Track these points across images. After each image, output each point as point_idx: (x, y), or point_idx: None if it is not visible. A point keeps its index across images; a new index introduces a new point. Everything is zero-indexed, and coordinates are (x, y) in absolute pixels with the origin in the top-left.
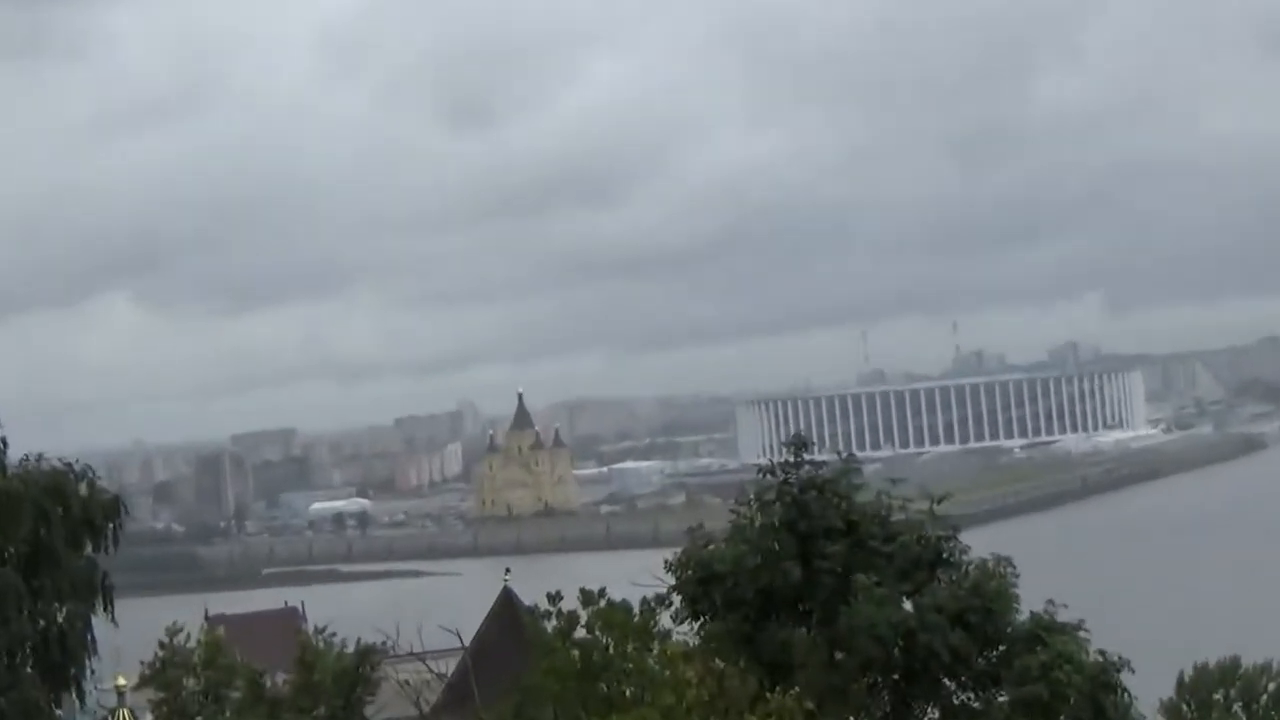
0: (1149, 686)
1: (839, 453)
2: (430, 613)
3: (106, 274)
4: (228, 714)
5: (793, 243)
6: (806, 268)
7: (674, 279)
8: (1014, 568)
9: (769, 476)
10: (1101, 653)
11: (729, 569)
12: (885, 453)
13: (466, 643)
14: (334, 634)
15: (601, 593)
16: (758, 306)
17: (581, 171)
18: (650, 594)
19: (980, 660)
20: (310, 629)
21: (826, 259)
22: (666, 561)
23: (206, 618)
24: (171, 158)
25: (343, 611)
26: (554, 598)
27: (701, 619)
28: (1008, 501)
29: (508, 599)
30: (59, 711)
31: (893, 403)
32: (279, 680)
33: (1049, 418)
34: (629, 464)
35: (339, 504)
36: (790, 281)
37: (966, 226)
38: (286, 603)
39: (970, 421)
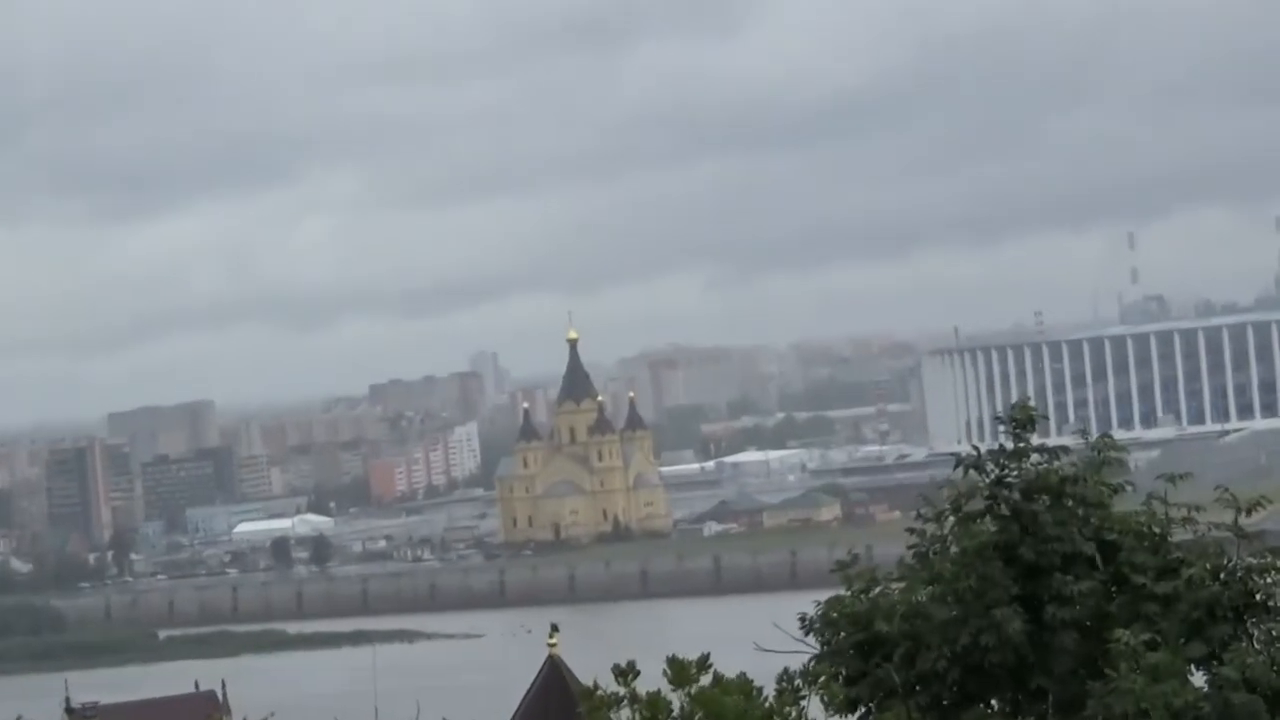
0: None
1: (1086, 433)
2: (430, 697)
3: None
4: None
5: (1011, 91)
6: (1030, 131)
7: (818, 153)
8: None
9: (974, 473)
10: None
11: (904, 627)
12: (1166, 432)
13: None
14: None
15: (704, 663)
16: (952, 194)
17: None
18: (793, 665)
19: None
20: None
21: (1065, 116)
22: (804, 618)
23: (69, 710)
24: None
25: (288, 697)
26: (625, 671)
27: (862, 706)
28: None
29: (555, 675)
30: None
31: (1179, 349)
32: None
33: None
34: (750, 454)
35: (280, 524)
36: (1003, 154)
37: None
38: (198, 685)
39: None
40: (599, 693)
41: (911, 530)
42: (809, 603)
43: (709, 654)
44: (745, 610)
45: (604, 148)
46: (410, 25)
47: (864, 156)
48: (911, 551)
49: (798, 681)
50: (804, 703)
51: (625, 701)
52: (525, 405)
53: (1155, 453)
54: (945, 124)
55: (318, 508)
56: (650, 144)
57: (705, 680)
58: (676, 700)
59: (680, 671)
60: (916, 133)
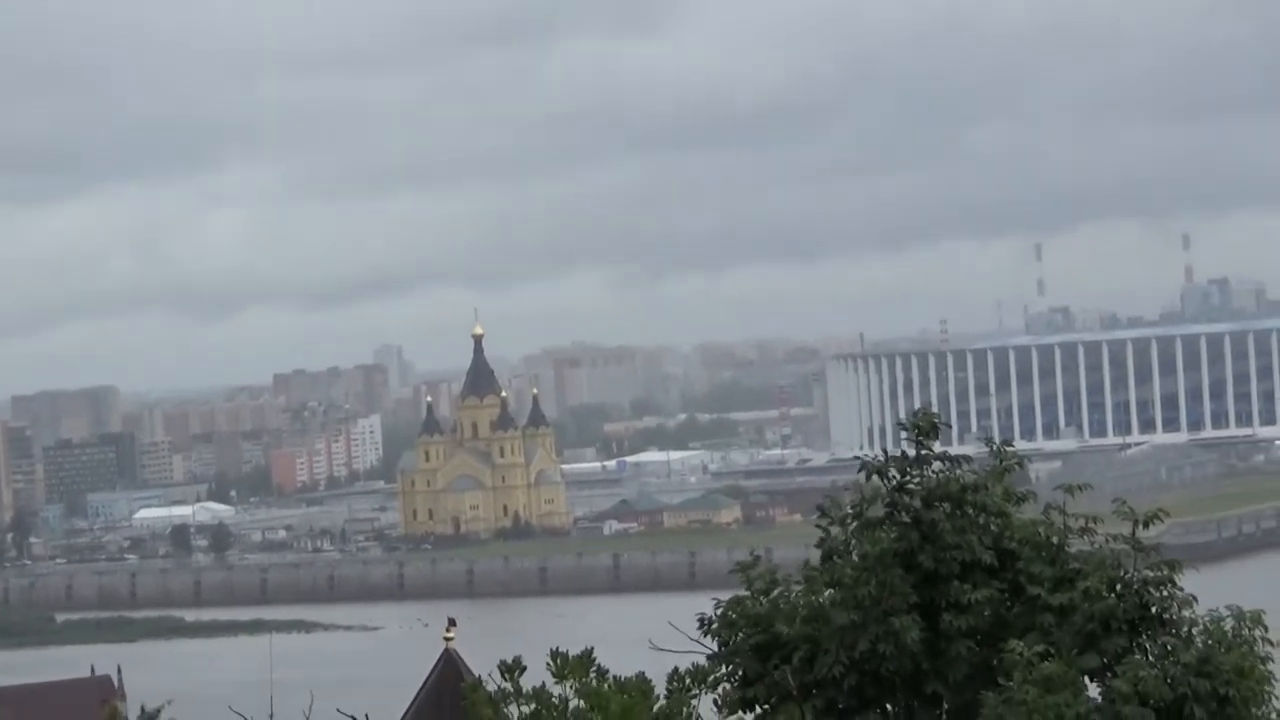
0: None
1: (989, 442)
2: (325, 688)
3: None
4: None
5: (929, 101)
6: (946, 140)
7: (734, 156)
8: (1265, 629)
9: (875, 479)
10: None
11: (804, 630)
12: (1068, 444)
13: None
14: None
15: (589, 657)
16: (864, 200)
17: None
18: (686, 665)
19: None
20: (128, 711)
21: (978, 126)
22: (703, 619)
23: None
24: None
25: (183, 684)
26: (512, 667)
27: (759, 707)
28: (1265, 525)
29: (450, 669)
30: None
31: (1082, 361)
32: None
33: None
34: (652, 454)
35: (180, 511)
36: (916, 162)
37: (1214, 80)
38: (94, 669)
39: (1207, 395)
40: (484, 687)
41: (820, 527)
42: (707, 603)
43: (593, 649)
44: (643, 609)
45: (519, 145)
46: (331, 17)
47: (779, 161)
48: (819, 553)
49: (688, 681)
50: (695, 702)
51: (513, 698)
52: (429, 399)
53: (1057, 464)
54: (862, 131)
55: (218, 496)
56: (566, 142)
57: (593, 677)
58: (565, 695)
59: (570, 666)
60: (832, 139)
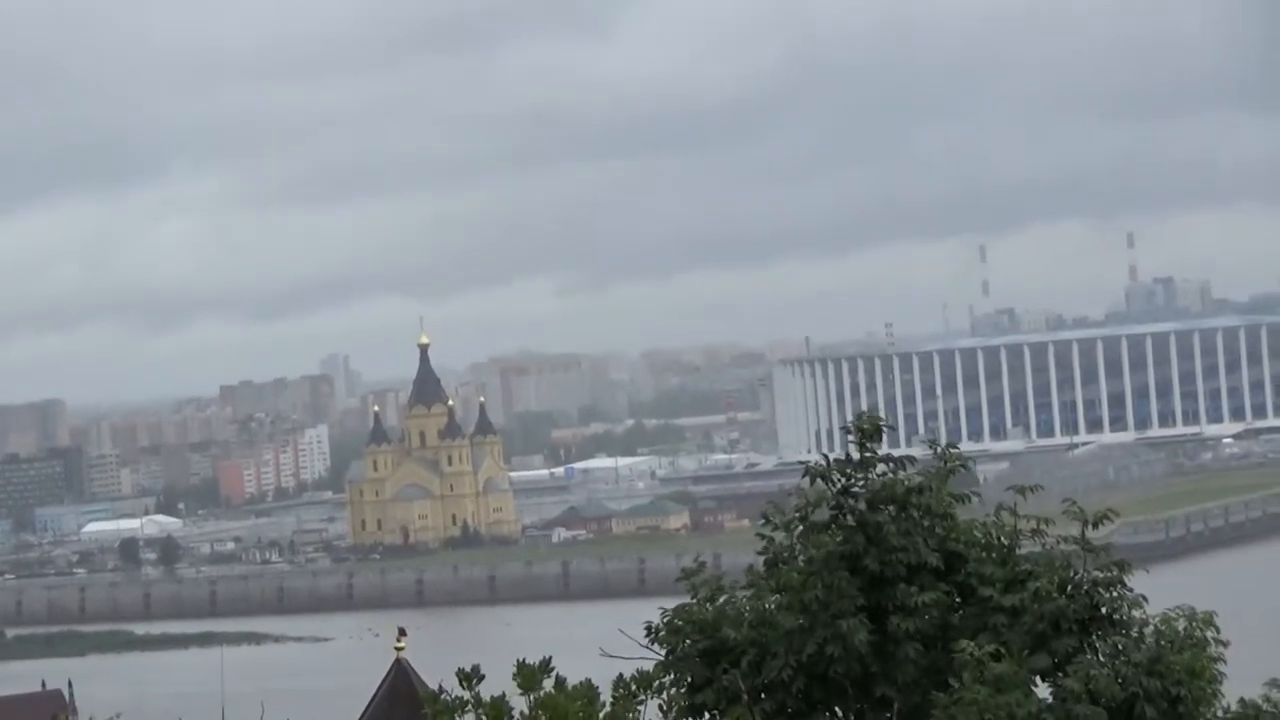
0: None
1: (934, 444)
2: (276, 700)
3: None
4: None
5: (876, 102)
6: (894, 141)
7: (680, 159)
8: (1217, 629)
9: (821, 483)
10: None
11: (752, 634)
12: (1014, 444)
13: None
14: None
15: (547, 667)
16: (811, 203)
17: None
18: (632, 670)
19: None
20: None
21: (926, 126)
22: (650, 626)
23: None
24: None
25: (134, 697)
26: (469, 675)
27: (708, 713)
28: (1213, 524)
29: (402, 679)
30: None
31: (1029, 361)
32: None
33: None
34: (600, 461)
35: (129, 524)
36: (866, 163)
37: (1159, 78)
38: (45, 683)
39: (1154, 393)
40: (443, 697)
41: (761, 536)
42: (656, 610)
43: (551, 658)
44: (593, 616)
45: (464, 150)
46: (277, 24)
47: (725, 164)
48: (761, 559)
49: (634, 687)
50: (641, 708)
51: (469, 706)
52: (376, 409)
53: (1004, 465)
54: (809, 133)
55: (167, 508)
56: (511, 147)
57: (548, 684)
58: (521, 705)
59: (527, 676)
60: (779, 141)
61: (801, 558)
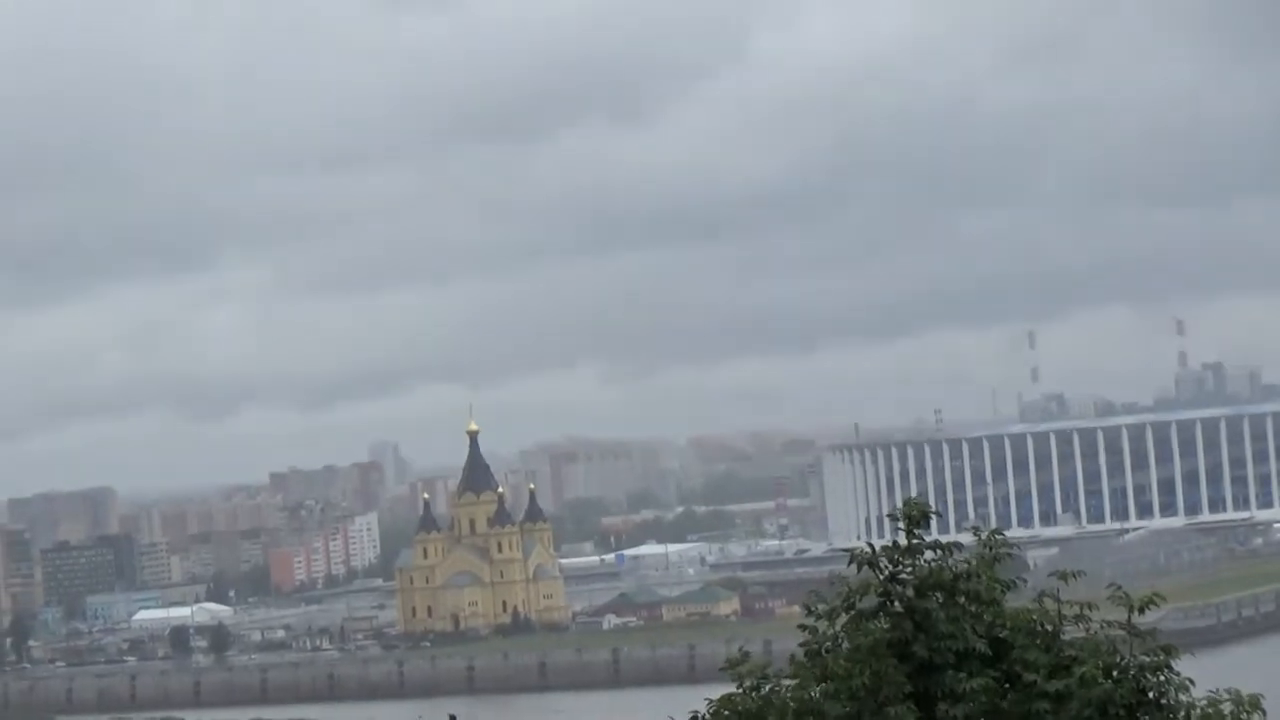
0: None
1: (978, 530)
2: None
3: None
4: None
5: (922, 188)
6: (941, 228)
7: (727, 247)
8: (1264, 712)
9: (868, 569)
10: None
11: None
12: (1065, 530)
13: None
14: None
15: None
16: (859, 288)
17: (590, 69)
18: None
19: None
20: None
21: (973, 213)
22: (696, 716)
23: None
24: None
25: None
26: None
27: None
28: (1264, 609)
29: None
30: None
31: (1078, 448)
32: None
33: None
34: (650, 547)
35: (180, 612)
36: (910, 250)
37: (1202, 163)
38: None
39: (1204, 479)
40: None
41: (803, 627)
42: (706, 696)
43: None
44: (643, 703)
45: (510, 239)
46: (326, 115)
47: (772, 250)
48: (803, 648)
49: None
50: None
51: None
52: (425, 496)
53: (1054, 550)
54: (855, 219)
55: (217, 596)
56: (558, 236)
57: None
58: None
59: None
60: (826, 227)
61: (846, 645)
